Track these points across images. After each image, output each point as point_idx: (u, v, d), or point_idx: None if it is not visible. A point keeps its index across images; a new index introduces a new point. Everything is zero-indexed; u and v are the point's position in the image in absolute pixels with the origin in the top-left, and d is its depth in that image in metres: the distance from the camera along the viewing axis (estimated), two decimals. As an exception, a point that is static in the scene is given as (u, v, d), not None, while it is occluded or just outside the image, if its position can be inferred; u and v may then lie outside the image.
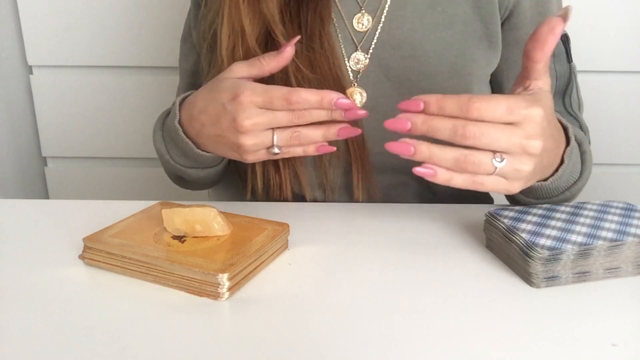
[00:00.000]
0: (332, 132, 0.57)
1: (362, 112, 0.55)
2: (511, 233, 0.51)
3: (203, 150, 0.63)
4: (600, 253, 0.49)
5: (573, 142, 0.57)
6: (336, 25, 0.68)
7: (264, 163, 0.67)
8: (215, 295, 0.47)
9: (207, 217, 0.52)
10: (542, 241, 0.49)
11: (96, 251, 0.52)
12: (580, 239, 0.50)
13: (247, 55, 0.63)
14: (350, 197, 0.70)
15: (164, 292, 0.48)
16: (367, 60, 0.67)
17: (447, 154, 0.47)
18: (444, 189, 0.73)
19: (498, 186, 0.48)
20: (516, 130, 0.46)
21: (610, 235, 0.50)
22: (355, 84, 0.67)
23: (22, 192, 1.27)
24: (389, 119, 0.49)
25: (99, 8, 1.15)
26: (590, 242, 0.49)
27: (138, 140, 1.23)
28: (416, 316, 0.45)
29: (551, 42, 0.48)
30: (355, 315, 0.45)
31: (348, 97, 0.65)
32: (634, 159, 1.20)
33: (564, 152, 0.56)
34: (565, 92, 0.73)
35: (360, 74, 0.67)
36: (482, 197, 0.80)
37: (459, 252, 0.55)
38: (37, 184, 1.31)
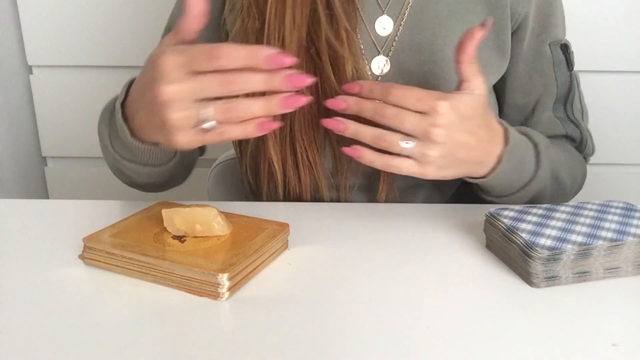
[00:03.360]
0: (275, 102, 0.48)
1: (310, 80, 0.48)
2: (511, 233, 0.51)
3: (140, 140, 0.56)
4: (600, 253, 0.49)
5: (514, 142, 0.60)
6: (357, 28, 0.67)
7: (284, 172, 0.66)
8: (215, 295, 0.47)
9: (207, 217, 0.52)
10: (542, 241, 0.49)
11: (96, 251, 0.52)
12: (580, 238, 0.50)
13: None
14: (371, 198, 0.70)
15: (164, 292, 0.48)
16: (388, 64, 0.67)
17: (368, 131, 0.54)
18: (453, 191, 0.74)
19: (412, 168, 0.55)
20: (424, 118, 0.53)
21: (610, 235, 0.50)
22: None
23: (22, 192, 1.27)
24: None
25: (99, 8, 1.15)
26: (590, 242, 0.49)
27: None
28: (416, 316, 0.45)
29: (470, 47, 0.55)
30: (355, 315, 0.45)
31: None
32: (634, 159, 1.20)
33: (502, 152, 0.59)
34: (567, 99, 0.75)
35: (381, 79, 0.68)
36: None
37: (459, 252, 0.55)
38: (37, 184, 1.31)
